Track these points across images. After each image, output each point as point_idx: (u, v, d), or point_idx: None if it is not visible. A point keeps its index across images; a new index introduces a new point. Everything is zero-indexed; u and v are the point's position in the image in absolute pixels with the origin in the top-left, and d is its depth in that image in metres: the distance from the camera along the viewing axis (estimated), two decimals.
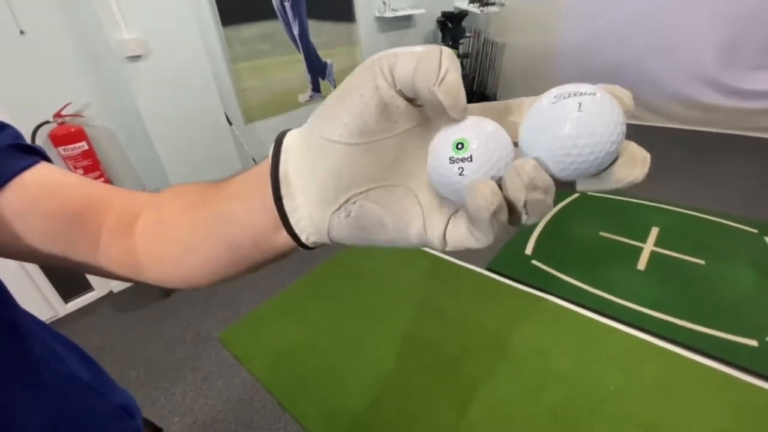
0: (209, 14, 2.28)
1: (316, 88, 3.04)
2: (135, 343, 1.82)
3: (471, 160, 0.17)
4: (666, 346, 1.51)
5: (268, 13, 2.55)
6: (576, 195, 2.65)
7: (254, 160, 2.62)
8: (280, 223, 0.23)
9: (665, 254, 1.99)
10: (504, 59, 4.51)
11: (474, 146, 0.18)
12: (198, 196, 0.29)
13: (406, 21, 3.58)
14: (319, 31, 2.89)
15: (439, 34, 3.88)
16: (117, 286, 2.16)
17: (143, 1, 1.81)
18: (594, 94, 0.17)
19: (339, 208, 0.21)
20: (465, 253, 2.12)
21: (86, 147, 1.83)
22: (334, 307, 1.90)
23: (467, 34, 4.00)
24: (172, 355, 1.73)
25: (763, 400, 1.30)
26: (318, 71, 3.00)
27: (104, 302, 2.11)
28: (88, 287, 2.11)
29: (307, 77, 2.95)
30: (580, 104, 0.17)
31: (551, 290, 1.83)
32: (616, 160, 0.18)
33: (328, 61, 3.05)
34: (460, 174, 0.18)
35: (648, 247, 2.06)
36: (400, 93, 0.19)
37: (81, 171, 1.86)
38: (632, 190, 2.42)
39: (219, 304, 1.99)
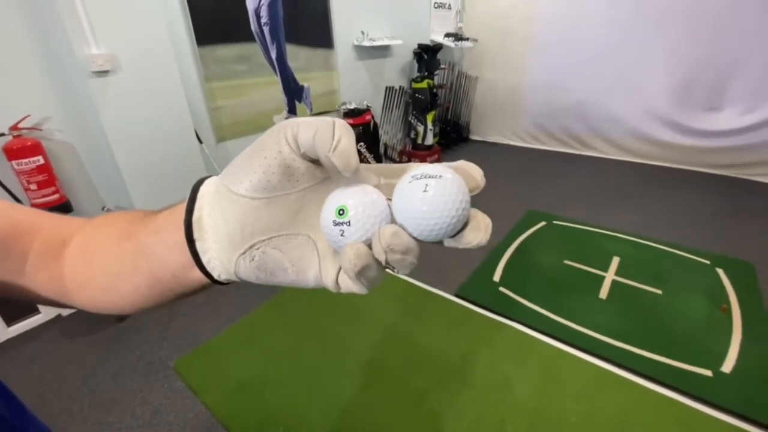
0: (184, 33, 2.27)
1: (292, 110, 3.06)
2: (81, 372, 1.69)
3: (349, 225, 0.21)
4: (626, 375, 1.53)
5: (245, 36, 2.57)
6: (543, 223, 2.73)
7: None
8: (194, 261, 0.25)
9: (625, 283, 2.06)
10: (477, 91, 4.70)
11: (352, 213, 0.21)
12: (126, 228, 0.30)
13: (383, 50, 3.69)
14: (297, 56, 2.94)
15: (416, 65, 4.02)
16: (67, 309, 2.01)
17: (115, 15, 1.78)
18: (440, 177, 0.21)
19: (244, 253, 0.24)
20: (436, 279, 2.13)
21: (42, 161, 1.74)
22: (298, 334, 1.83)
23: (442, 66, 4.15)
24: (121, 385, 1.61)
25: (719, 431, 1.33)
26: (295, 94, 3.03)
27: (51, 326, 1.97)
28: (34, 310, 1.96)
29: (284, 99, 2.97)
30: (426, 185, 0.20)
31: (517, 317, 1.84)
32: (467, 224, 0.22)
33: (305, 85, 3.08)
34: (341, 235, 0.21)
35: (609, 276, 2.13)
36: (305, 156, 0.22)
37: (35, 186, 1.77)
38: (595, 219, 2.51)
39: (176, 331, 1.89)
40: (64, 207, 1.87)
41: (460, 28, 4.52)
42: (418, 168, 0.22)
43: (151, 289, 0.29)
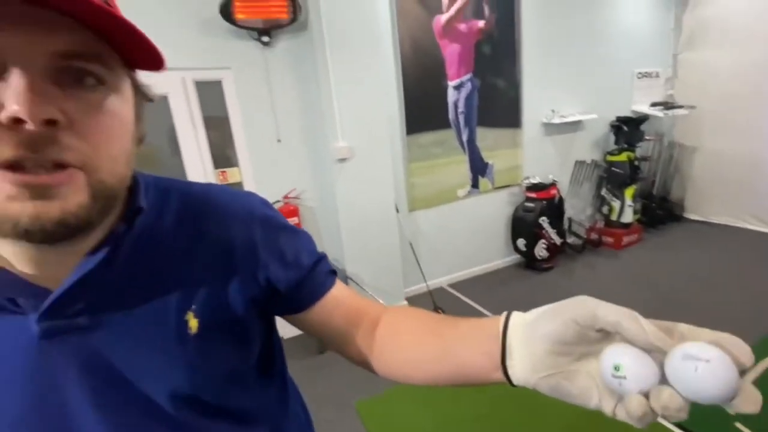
0: (398, 125, 2.83)
1: (475, 185, 3.26)
2: None
3: (626, 379, 0.27)
4: None
5: (443, 124, 2.99)
6: None
7: (411, 245, 2.90)
8: (499, 368, 0.36)
9: None
10: (695, 163, 3.96)
11: (627, 371, 0.27)
12: (433, 326, 0.45)
13: (574, 125, 3.60)
14: (486, 136, 3.19)
15: (612, 137, 3.74)
16: (285, 334, 2.57)
17: (356, 117, 2.40)
18: (708, 361, 0.24)
19: (542, 378, 0.32)
20: None
21: (297, 221, 2.42)
22: (477, 407, 1.81)
23: (647, 137, 3.73)
24: (315, 412, 1.82)
25: None
26: (479, 170, 3.25)
27: None
28: None
29: (469, 175, 3.22)
30: (696, 368, 0.25)
31: None
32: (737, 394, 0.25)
33: (490, 162, 3.28)
34: (619, 385, 0.28)
35: None
36: (597, 328, 0.30)
37: None
38: None
39: (363, 373, 2.13)
40: None
41: (671, 95, 4.02)
42: (688, 346, 0.26)
43: (447, 377, 0.42)
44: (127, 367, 0.37)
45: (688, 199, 4.10)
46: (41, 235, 0.29)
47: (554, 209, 3.28)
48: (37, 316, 0.34)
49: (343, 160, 2.38)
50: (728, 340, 0.26)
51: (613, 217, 3.61)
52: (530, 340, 0.33)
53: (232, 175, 2.38)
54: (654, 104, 3.75)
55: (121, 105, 0.33)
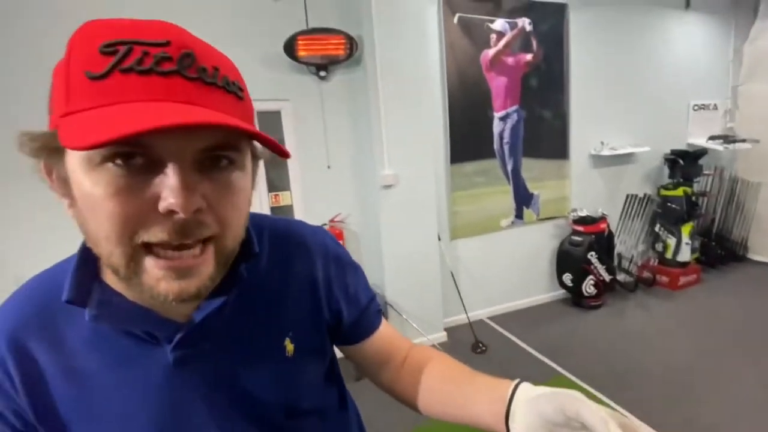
0: (442, 154, 2.86)
1: (518, 215, 3.21)
2: None
3: None
4: None
5: (487, 154, 2.99)
6: None
7: (452, 274, 2.87)
8: (503, 426, 0.43)
9: None
10: (759, 201, 3.69)
11: None
12: (454, 376, 0.54)
13: (624, 158, 3.49)
14: (531, 167, 3.15)
15: (666, 171, 3.58)
16: None
17: (402, 145, 2.47)
18: None
19: None
20: None
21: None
22: None
23: (706, 172, 3.54)
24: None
25: None
26: (523, 201, 3.20)
27: None
28: None
29: (512, 205, 3.17)
30: None
31: None
32: None
33: (535, 193, 3.22)
34: None
35: None
36: (577, 420, 0.36)
37: None
38: None
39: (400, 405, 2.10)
40: None
41: (731, 128, 3.83)
42: None
43: (462, 419, 0.49)
44: (244, 383, 0.46)
45: (751, 238, 3.81)
46: (179, 302, 0.35)
47: (603, 244, 3.14)
48: (170, 347, 0.41)
49: (388, 186, 2.43)
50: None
51: (668, 255, 3.40)
52: (529, 413, 0.40)
53: (284, 198, 2.49)
54: (712, 137, 3.58)
55: (244, 178, 0.38)
